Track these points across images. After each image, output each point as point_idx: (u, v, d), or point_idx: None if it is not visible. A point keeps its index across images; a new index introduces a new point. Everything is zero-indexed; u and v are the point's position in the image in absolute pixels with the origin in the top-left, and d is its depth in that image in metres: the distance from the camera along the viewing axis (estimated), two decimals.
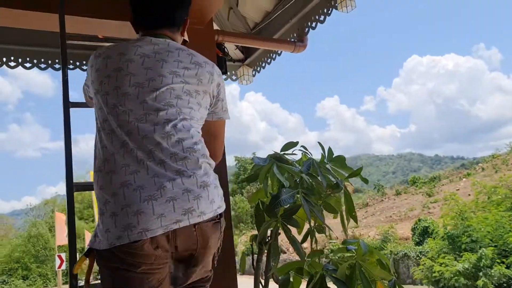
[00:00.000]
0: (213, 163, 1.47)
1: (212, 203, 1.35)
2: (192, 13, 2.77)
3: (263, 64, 4.24)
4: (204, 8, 2.77)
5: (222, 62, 3.34)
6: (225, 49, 3.37)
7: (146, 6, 1.56)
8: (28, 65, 3.43)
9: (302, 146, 2.48)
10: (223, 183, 1.87)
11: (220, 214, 1.42)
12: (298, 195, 2.10)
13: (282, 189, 2.07)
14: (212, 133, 1.62)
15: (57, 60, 3.47)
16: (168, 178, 1.27)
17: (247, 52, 4.40)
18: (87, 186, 2.07)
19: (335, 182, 2.29)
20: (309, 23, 3.56)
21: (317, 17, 3.46)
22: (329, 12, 3.33)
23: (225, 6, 4.13)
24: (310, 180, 2.24)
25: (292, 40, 3.65)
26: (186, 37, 2.67)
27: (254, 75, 4.43)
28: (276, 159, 2.36)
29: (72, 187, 1.82)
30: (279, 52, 3.99)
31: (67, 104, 2.06)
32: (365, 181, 2.47)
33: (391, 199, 28.11)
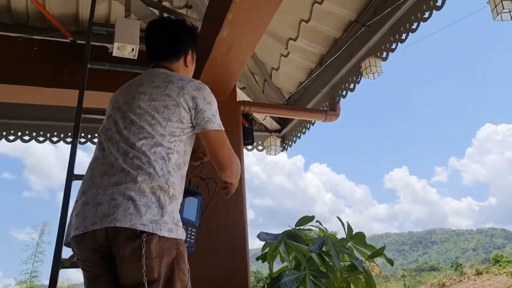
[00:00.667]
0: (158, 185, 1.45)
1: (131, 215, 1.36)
2: (214, 86, 2.80)
3: (298, 134, 4.14)
4: (225, 81, 2.78)
5: (249, 132, 3.28)
6: (252, 120, 3.32)
7: (149, 43, 1.81)
8: (41, 138, 3.64)
9: (317, 221, 2.26)
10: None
11: (143, 232, 1.35)
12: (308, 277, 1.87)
13: (285, 271, 1.85)
14: (206, 144, 1.65)
15: (69, 134, 3.67)
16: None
17: (283, 123, 4.34)
18: None
19: (351, 263, 2.03)
20: (339, 92, 3.45)
21: (346, 85, 3.35)
22: (358, 80, 3.22)
23: (260, 78, 4.17)
24: (324, 260, 2.01)
25: (324, 109, 3.54)
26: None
27: (290, 145, 4.32)
28: (289, 235, 2.16)
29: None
30: (312, 122, 3.89)
31: (71, 177, 2.06)
32: (390, 262, 2.17)
33: (471, 280, 25.51)
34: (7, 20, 3.09)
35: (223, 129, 1.65)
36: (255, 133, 3.92)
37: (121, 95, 1.68)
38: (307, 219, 2.32)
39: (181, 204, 1.59)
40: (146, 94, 1.59)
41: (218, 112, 1.67)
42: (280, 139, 4.41)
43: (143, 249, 1.33)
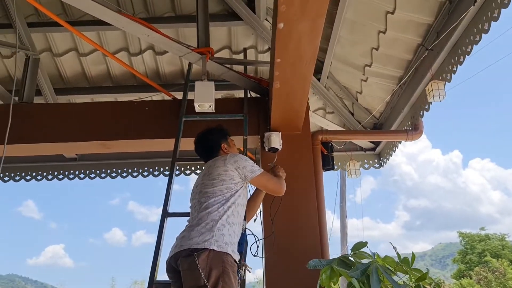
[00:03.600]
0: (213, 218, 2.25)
1: (189, 239, 2.14)
2: (285, 125, 3.20)
3: (390, 152, 4.23)
4: (293, 119, 3.15)
5: (329, 159, 3.57)
6: (332, 146, 3.60)
7: (198, 154, 2.66)
8: (145, 173, 4.63)
9: (367, 246, 2.48)
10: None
11: (196, 249, 2.08)
12: None
13: None
14: (258, 186, 2.64)
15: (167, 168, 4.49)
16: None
17: (378, 142, 4.47)
18: None
19: None
20: (418, 111, 3.51)
21: (422, 105, 3.40)
22: (430, 101, 3.26)
23: (348, 102, 4.40)
24: (365, 286, 2.24)
25: (405, 128, 3.63)
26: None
27: (385, 162, 4.42)
28: (342, 261, 2.43)
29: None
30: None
31: (165, 214, 2.68)
32: (438, 286, 2.28)
33: None
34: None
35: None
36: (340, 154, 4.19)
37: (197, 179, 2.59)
38: (361, 245, 2.54)
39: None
40: (203, 176, 2.45)
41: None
42: (376, 156, 4.54)
43: None
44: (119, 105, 3.63)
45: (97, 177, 4.55)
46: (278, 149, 3.16)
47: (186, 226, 2.32)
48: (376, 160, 4.57)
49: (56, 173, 4.56)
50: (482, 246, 26.89)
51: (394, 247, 2.40)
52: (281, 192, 2.60)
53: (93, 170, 4.57)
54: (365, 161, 4.57)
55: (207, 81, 3.02)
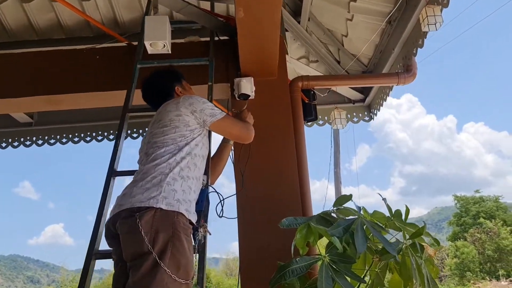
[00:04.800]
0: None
1: (131, 197, 1.75)
2: (255, 69, 2.76)
3: (381, 102, 3.80)
4: (264, 61, 2.70)
5: (311, 108, 3.13)
6: (314, 94, 3.16)
7: (146, 101, 2.33)
8: (88, 138, 4.16)
9: (351, 200, 2.08)
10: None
11: (139, 209, 1.68)
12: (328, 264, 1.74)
13: (296, 257, 1.76)
14: (221, 133, 2.27)
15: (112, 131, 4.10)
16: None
17: (367, 92, 4.03)
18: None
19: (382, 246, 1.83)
20: (411, 49, 3.06)
21: (415, 42, 2.95)
22: (425, 34, 2.81)
23: (334, 49, 3.94)
24: (350, 245, 1.85)
25: (397, 71, 3.18)
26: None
27: (376, 114, 4.00)
28: (322, 218, 2.04)
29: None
30: (390, 86, 3.53)
31: (112, 173, 2.25)
32: (436, 242, 1.89)
33: None
34: (81, 33, 3.50)
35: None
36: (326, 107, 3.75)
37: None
38: (344, 198, 2.16)
39: None
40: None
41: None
42: (366, 108, 4.12)
43: None
44: (65, 54, 3.14)
45: (58, 143, 4.08)
46: (249, 95, 2.72)
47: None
48: (366, 113, 4.15)
49: (10, 140, 4.09)
50: (477, 208, 27.17)
51: (384, 199, 2.00)
52: (249, 138, 2.27)
53: (52, 136, 4.10)
54: (354, 114, 4.15)
55: (159, 15, 2.53)
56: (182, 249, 1.67)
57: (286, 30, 3.65)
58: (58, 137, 4.11)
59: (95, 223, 2.05)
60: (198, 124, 2.04)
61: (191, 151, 1.94)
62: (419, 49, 2.95)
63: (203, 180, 2.05)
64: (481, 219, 24.84)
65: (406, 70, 3.16)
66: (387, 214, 2.00)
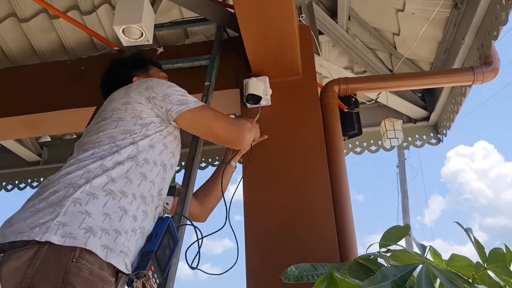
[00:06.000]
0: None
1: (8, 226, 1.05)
2: (274, 64, 2.10)
3: (451, 116, 2.90)
4: (283, 49, 2.01)
5: (352, 119, 2.34)
6: (356, 102, 2.37)
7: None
8: None
9: (409, 235, 1.26)
10: None
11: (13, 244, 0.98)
12: None
13: None
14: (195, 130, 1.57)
15: None
16: None
17: (430, 104, 3.15)
18: None
19: None
20: (490, 33, 2.22)
21: (494, 22, 2.12)
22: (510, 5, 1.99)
23: (384, 54, 3.17)
24: None
25: (471, 66, 2.32)
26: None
27: (445, 134, 3.09)
28: (355, 266, 1.24)
29: None
30: (463, 90, 2.65)
31: None
32: None
33: None
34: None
35: None
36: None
37: None
38: (397, 232, 1.36)
39: None
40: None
41: None
42: (432, 129, 3.22)
43: None
44: (45, 68, 2.66)
45: None
46: (260, 98, 2.01)
47: None
48: (431, 134, 3.24)
49: (17, 181, 3.64)
50: None
51: (467, 229, 1.13)
52: (240, 140, 1.62)
53: None
54: (416, 135, 3.25)
55: None
56: None
57: (321, 33, 2.96)
58: None
59: None
60: (158, 117, 1.40)
61: (138, 154, 1.25)
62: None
63: (164, 204, 1.32)
64: None
65: (484, 63, 2.31)
66: (475, 258, 1.15)
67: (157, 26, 2.49)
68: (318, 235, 1.81)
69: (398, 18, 2.76)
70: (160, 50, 2.45)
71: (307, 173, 1.95)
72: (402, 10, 2.67)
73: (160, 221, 1.25)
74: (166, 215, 1.32)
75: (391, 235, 1.31)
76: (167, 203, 1.39)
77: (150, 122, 1.37)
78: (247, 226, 1.83)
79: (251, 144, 1.82)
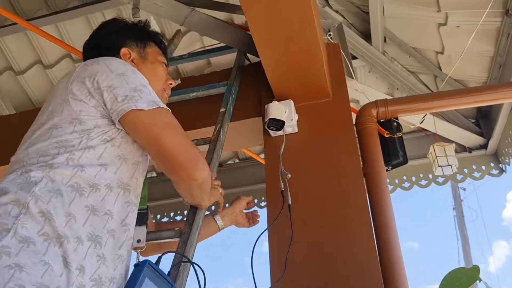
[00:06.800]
0: None
1: None
2: (299, 87, 1.87)
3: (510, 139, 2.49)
4: (308, 67, 1.77)
5: (395, 146, 2.01)
6: (398, 126, 2.05)
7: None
8: None
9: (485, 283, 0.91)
10: None
11: None
12: None
13: None
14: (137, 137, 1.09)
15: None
16: None
17: (486, 130, 2.75)
18: None
19: None
20: None
21: None
22: None
23: (428, 76, 2.84)
24: None
25: None
26: None
27: (509, 164, 2.66)
28: None
29: None
30: None
31: None
32: None
33: None
34: None
35: None
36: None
37: None
38: (464, 276, 1.03)
39: None
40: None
41: None
42: (492, 158, 2.80)
43: None
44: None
45: None
46: (283, 122, 1.74)
47: None
48: (492, 164, 2.81)
49: None
50: None
51: None
52: (195, 167, 1.04)
53: None
54: (473, 167, 2.83)
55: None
56: None
57: (354, 58, 2.71)
58: None
59: None
60: (104, 117, 1.05)
61: (80, 178, 0.97)
62: None
63: (130, 240, 1.04)
64: None
65: None
66: None
67: (176, 59, 2.35)
68: None
69: (441, 34, 2.46)
70: (177, 82, 2.26)
71: (343, 216, 1.62)
72: (445, 24, 2.38)
73: (135, 270, 0.96)
74: (141, 258, 1.04)
75: (455, 280, 0.97)
76: (138, 240, 1.09)
77: (94, 126, 1.02)
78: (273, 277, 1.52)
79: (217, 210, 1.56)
